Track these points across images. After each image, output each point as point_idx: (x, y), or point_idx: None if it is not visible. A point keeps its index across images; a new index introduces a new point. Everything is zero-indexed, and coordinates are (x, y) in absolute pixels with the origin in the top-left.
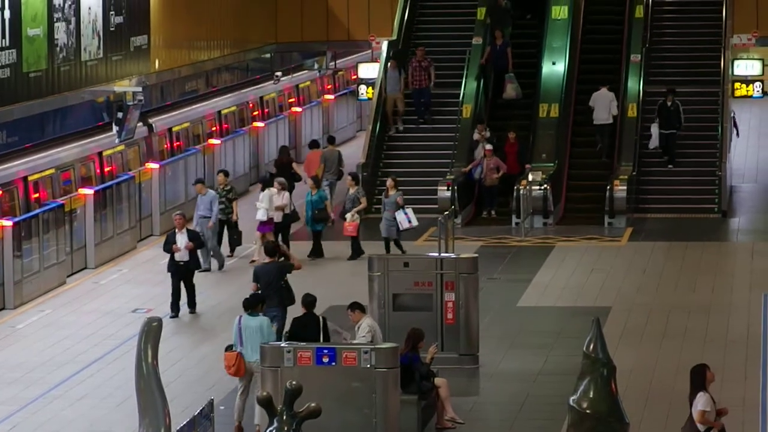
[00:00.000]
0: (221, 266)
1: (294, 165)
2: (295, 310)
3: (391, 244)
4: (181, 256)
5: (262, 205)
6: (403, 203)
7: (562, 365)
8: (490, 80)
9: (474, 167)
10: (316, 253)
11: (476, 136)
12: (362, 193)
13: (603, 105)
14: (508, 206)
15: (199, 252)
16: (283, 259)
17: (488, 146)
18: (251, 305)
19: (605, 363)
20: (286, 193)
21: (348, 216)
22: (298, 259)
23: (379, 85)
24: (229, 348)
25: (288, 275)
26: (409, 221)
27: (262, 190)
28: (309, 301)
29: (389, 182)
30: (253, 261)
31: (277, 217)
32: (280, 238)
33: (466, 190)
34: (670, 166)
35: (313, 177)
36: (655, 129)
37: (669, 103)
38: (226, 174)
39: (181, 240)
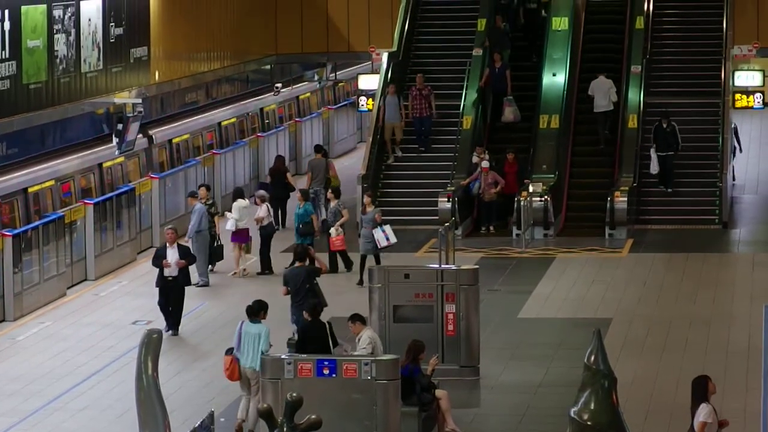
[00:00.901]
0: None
1: (288, 175)
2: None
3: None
4: (170, 271)
5: (232, 215)
6: (381, 220)
7: (563, 377)
8: (488, 103)
9: (472, 182)
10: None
11: (475, 159)
12: (342, 206)
13: (602, 92)
14: (507, 226)
15: (196, 267)
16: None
17: (485, 163)
18: (254, 312)
19: (606, 374)
20: (264, 206)
21: (332, 231)
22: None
23: (376, 114)
24: (229, 351)
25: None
26: (387, 239)
27: (233, 200)
28: (317, 310)
29: (366, 199)
30: (259, 273)
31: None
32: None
33: (466, 203)
34: (669, 189)
35: (301, 189)
36: (654, 154)
37: (665, 125)
38: (208, 188)
39: (172, 255)
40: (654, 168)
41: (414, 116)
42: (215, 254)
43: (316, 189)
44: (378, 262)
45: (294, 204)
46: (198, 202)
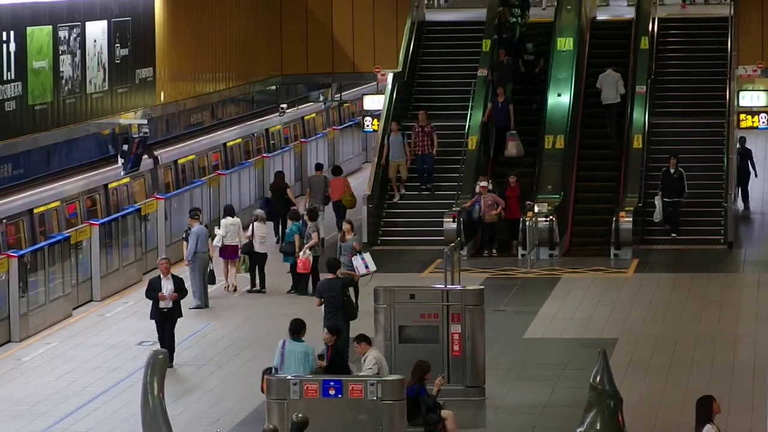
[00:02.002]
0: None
1: (289, 191)
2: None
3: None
4: (166, 303)
5: (219, 232)
6: (360, 248)
7: (568, 397)
8: (491, 138)
9: (472, 205)
10: (294, 287)
11: (478, 189)
12: (313, 229)
13: (610, 85)
14: (510, 251)
15: (191, 290)
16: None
17: (482, 183)
18: (296, 331)
19: (612, 395)
20: (251, 225)
21: (300, 253)
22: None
23: (379, 151)
24: (268, 371)
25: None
26: (367, 267)
27: (223, 217)
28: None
29: (345, 226)
30: (254, 289)
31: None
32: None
33: (471, 226)
34: (673, 234)
35: (292, 210)
36: (658, 201)
37: (672, 170)
38: (199, 211)
39: (167, 286)
40: (657, 217)
41: (416, 153)
42: (208, 278)
43: (314, 206)
44: (356, 293)
45: None
46: (197, 223)
